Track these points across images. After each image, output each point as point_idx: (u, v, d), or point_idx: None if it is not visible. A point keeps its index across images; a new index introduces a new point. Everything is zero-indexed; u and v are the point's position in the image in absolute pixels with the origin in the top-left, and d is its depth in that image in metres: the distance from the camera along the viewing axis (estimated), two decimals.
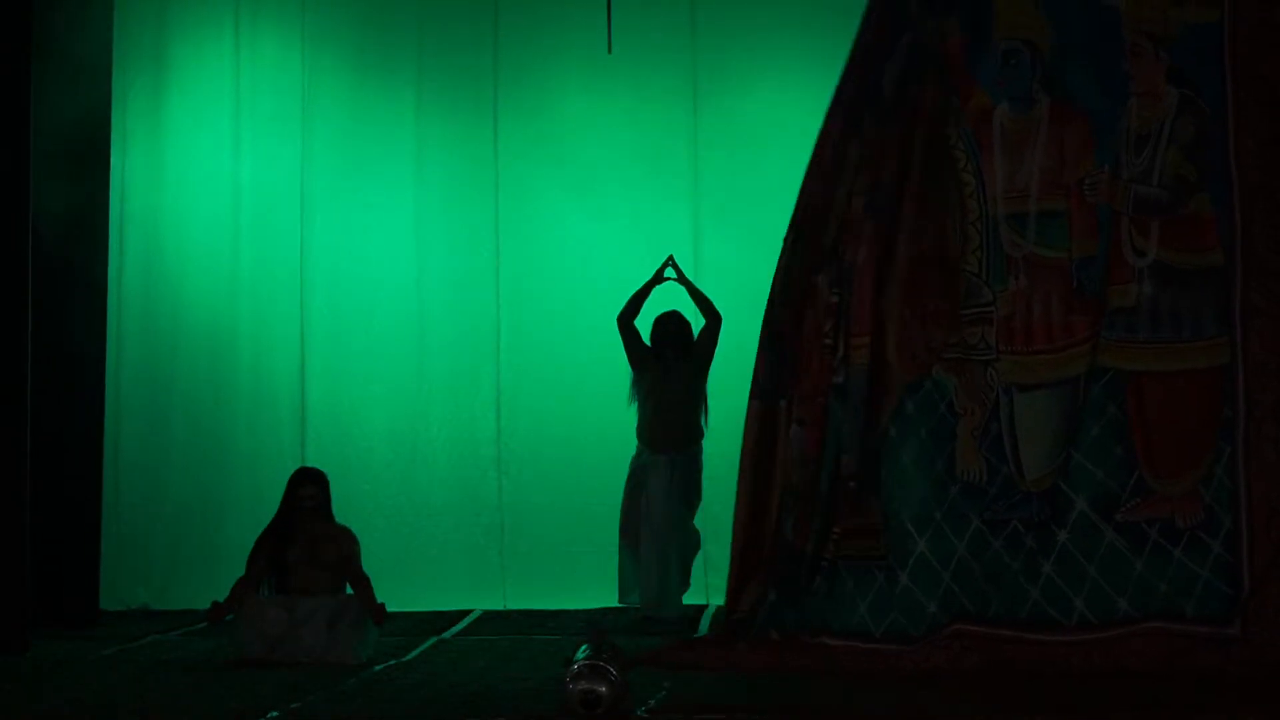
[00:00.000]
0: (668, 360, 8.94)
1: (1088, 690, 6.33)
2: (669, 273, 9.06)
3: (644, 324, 9.03)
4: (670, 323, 9.01)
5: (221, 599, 7.59)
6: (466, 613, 9.35)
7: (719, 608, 9.38)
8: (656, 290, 9.06)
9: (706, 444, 9.07)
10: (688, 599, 9.05)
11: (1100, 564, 6.80)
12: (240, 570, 7.76)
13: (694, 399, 8.94)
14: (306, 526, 7.70)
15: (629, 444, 9.04)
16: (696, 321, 9.12)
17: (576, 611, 9.35)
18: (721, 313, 9.01)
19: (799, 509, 7.09)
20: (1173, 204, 7.01)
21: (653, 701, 6.21)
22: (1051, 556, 6.84)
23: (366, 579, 7.63)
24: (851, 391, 7.04)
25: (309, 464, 8.73)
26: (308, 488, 7.75)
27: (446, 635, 8.51)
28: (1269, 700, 6.04)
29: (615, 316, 9.01)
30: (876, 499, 6.99)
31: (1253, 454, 6.74)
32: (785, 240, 7.43)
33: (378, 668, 7.28)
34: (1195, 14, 7.04)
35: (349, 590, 7.67)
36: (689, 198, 9.99)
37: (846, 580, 6.93)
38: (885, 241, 7.11)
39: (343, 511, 7.98)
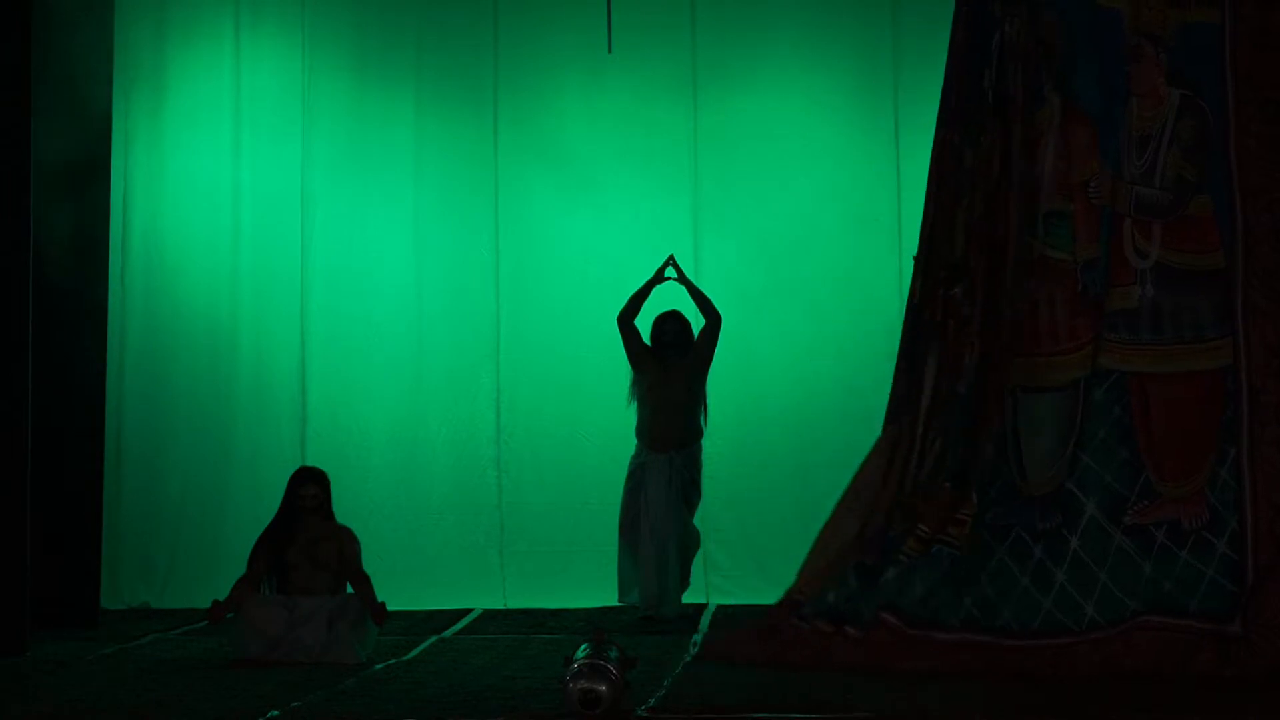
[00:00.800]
0: (668, 360, 8.95)
1: (1088, 690, 6.34)
2: (669, 272, 9.06)
3: (644, 324, 9.04)
4: (670, 322, 9.01)
5: (222, 598, 7.59)
6: (466, 612, 9.36)
7: (719, 607, 9.44)
8: (657, 290, 9.06)
9: (706, 444, 9.08)
10: (687, 598, 9.06)
11: (1110, 569, 6.81)
12: (241, 570, 7.76)
13: (694, 399, 8.95)
14: (307, 526, 7.71)
15: (628, 443, 9.05)
16: (697, 321, 9.12)
17: (576, 611, 9.36)
18: (722, 313, 9.01)
19: (899, 507, 7.08)
20: (1174, 205, 7.01)
21: (653, 701, 6.22)
22: (1064, 564, 6.86)
23: (367, 578, 7.63)
24: (967, 396, 7.03)
25: (309, 463, 8.73)
26: (308, 487, 7.76)
27: (446, 634, 8.51)
28: (1270, 699, 6.05)
29: (615, 316, 9.01)
30: (970, 498, 6.98)
31: (1257, 455, 6.74)
32: (917, 258, 7.40)
33: (378, 667, 7.29)
34: (1194, 14, 7.05)
35: (349, 590, 7.67)
36: (689, 198, 9.99)
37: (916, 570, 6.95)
38: (1000, 246, 7.10)
39: (343, 511, 7.99)
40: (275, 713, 6.10)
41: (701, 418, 9.00)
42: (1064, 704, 6.07)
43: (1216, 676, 6.45)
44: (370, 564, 7.81)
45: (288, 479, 7.88)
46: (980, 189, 7.19)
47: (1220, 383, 6.87)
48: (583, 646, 6.12)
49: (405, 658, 7.62)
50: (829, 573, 7.19)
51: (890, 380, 9.77)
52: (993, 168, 7.18)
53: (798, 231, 9.93)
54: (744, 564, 9.79)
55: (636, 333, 9.00)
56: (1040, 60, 7.20)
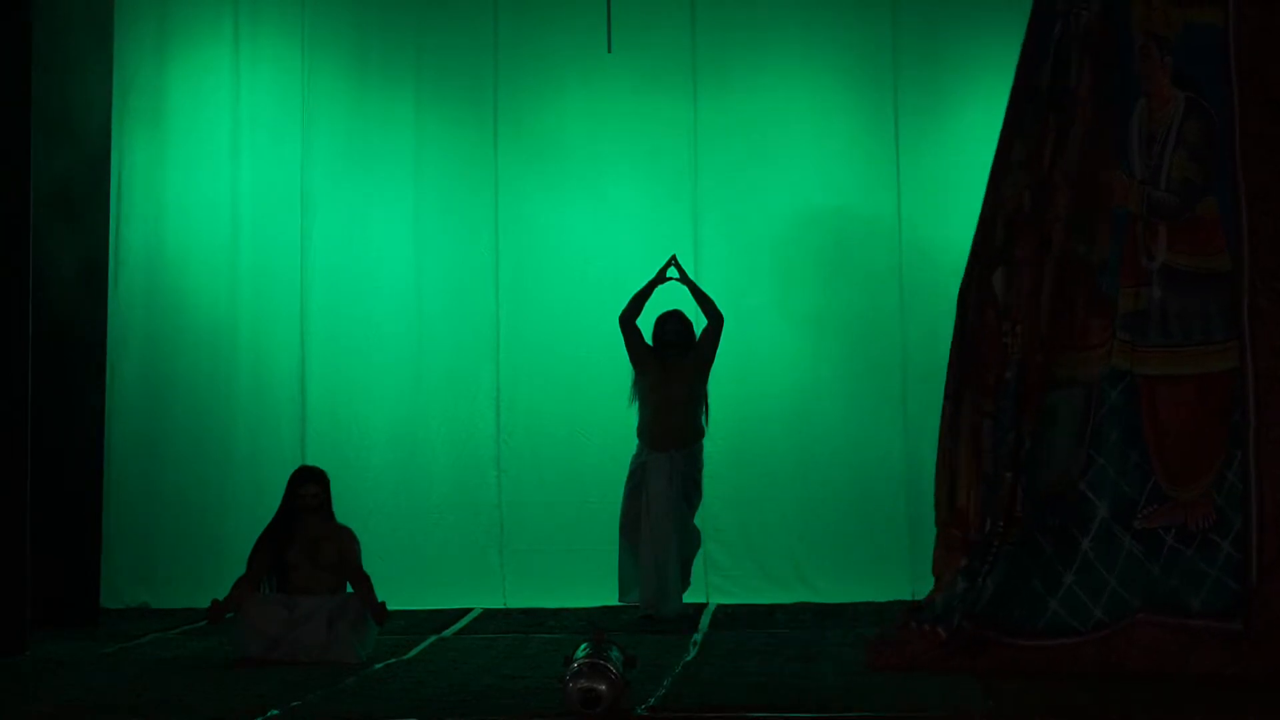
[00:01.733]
0: (669, 360, 8.95)
1: (1088, 691, 6.34)
2: (671, 272, 9.06)
3: (645, 323, 9.04)
4: (672, 322, 9.01)
5: (222, 598, 7.59)
6: (466, 611, 9.36)
7: (719, 606, 9.44)
8: (658, 290, 9.06)
9: (707, 443, 9.09)
10: (688, 597, 9.06)
11: (1120, 573, 6.82)
12: (240, 569, 7.76)
13: (695, 398, 8.95)
14: (307, 525, 7.70)
15: (629, 443, 9.05)
16: (698, 321, 9.12)
17: (576, 610, 9.36)
18: (723, 313, 9.01)
19: (985, 502, 7.07)
20: (1181, 208, 7.01)
21: (653, 700, 6.22)
22: (1073, 566, 6.87)
23: (367, 578, 7.63)
24: (1014, 385, 7.02)
25: (309, 463, 8.73)
26: (308, 486, 7.75)
27: (446, 634, 8.51)
28: (1271, 699, 6.05)
29: (616, 315, 9.01)
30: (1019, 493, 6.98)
31: (1263, 457, 6.74)
32: (973, 243, 7.40)
33: (378, 666, 7.29)
34: (1198, 14, 7.04)
35: (349, 589, 7.67)
36: (689, 197, 9.99)
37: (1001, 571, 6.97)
38: (1045, 240, 7.10)
39: (343, 510, 7.99)
40: (275, 712, 6.10)
41: (702, 417, 9.00)
42: (1064, 704, 6.07)
43: (1218, 675, 6.45)
44: (370, 564, 7.81)
45: (287, 478, 7.87)
46: (1028, 181, 7.18)
47: (1228, 385, 6.86)
48: (583, 646, 6.12)
49: (405, 657, 7.62)
50: (945, 573, 7.15)
51: (890, 380, 9.88)
52: (1042, 160, 7.16)
53: (798, 231, 9.92)
54: (744, 564, 9.80)
55: (638, 333, 9.00)
56: (1103, 53, 7.20)
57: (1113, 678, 6.54)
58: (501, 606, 9.63)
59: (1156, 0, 7.11)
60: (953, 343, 7.44)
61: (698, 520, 9.11)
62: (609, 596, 9.18)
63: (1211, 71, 6.99)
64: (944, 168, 9.94)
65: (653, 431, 8.90)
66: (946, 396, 7.38)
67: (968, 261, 7.41)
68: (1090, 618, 6.78)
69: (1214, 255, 6.95)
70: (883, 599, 9.54)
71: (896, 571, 9.70)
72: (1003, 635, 6.83)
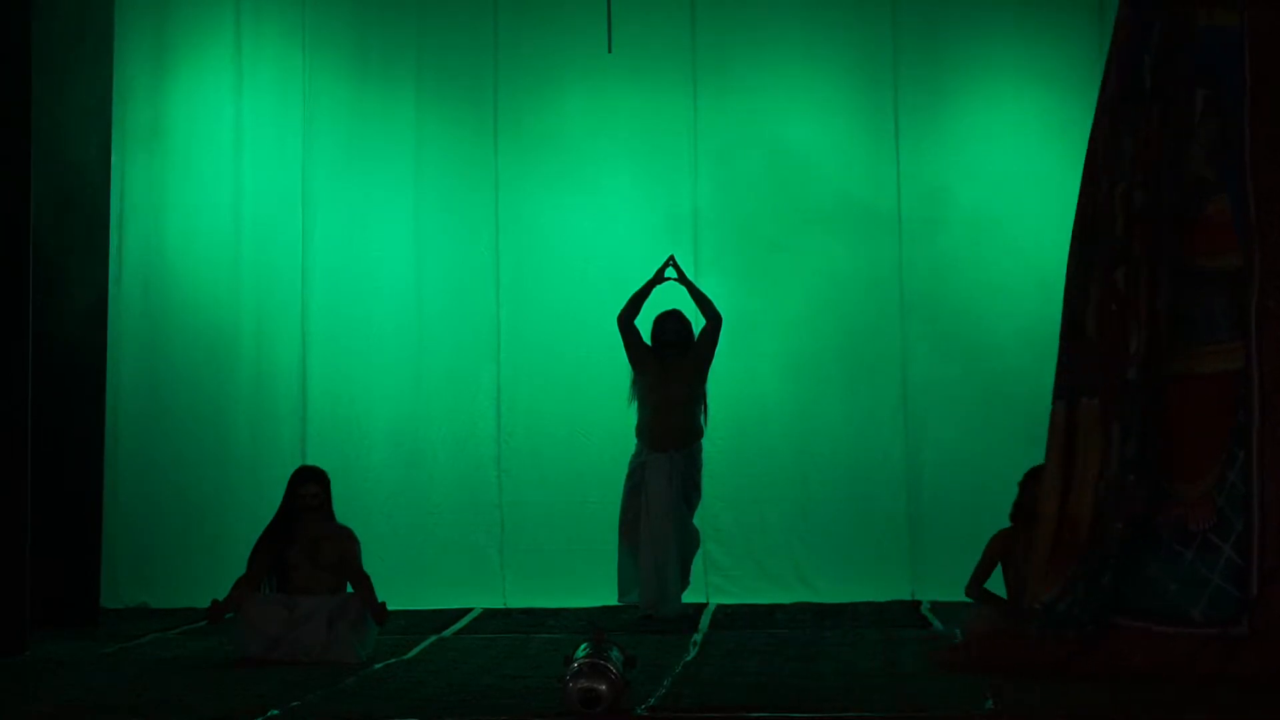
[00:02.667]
0: (668, 360, 8.95)
1: (1088, 691, 6.34)
2: (670, 272, 9.07)
3: (644, 323, 9.04)
4: (671, 322, 9.01)
5: (222, 598, 7.59)
6: (466, 611, 9.36)
7: (719, 606, 9.44)
8: (657, 290, 9.06)
9: (706, 443, 9.09)
10: (687, 598, 9.06)
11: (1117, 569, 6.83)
12: (240, 569, 7.76)
13: (694, 398, 8.95)
14: (307, 525, 7.70)
15: (629, 443, 9.05)
16: (697, 321, 9.12)
17: (576, 610, 9.36)
18: (722, 313, 9.01)
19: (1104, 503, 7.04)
20: (1194, 206, 7.02)
21: (653, 700, 6.22)
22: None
23: (367, 578, 7.62)
24: (1138, 385, 7.00)
25: (309, 462, 8.73)
26: (309, 486, 7.74)
27: (446, 634, 8.51)
28: (1272, 699, 6.04)
29: (615, 315, 9.01)
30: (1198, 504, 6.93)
31: (1266, 459, 6.73)
32: (1072, 242, 7.37)
33: (378, 666, 7.29)
34: (1218, 16, 7.06)
35: (350, 589, 7.67)
36: (689, 197, 9.99)
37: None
38: (1158, 234, 7.08)
39: (343, 510, 7.98)
40: (275, 712, 6.10)
41: (702, 417, 9.00)
42: (1066, 703, 6.07)
43: (1219, 677, 6.45)
44: (370, 563, 7.81)
45: (288, 478, 7.87)
46: (1139, 177, 7.15)
47: (1232, 386, 6.86)
48: (583, 646, 6.12)
49: (405, 657, 7.62)
50: (1055, 575, 7.08)
51: (890, 381, 9.88)
52: (1151, 156, 7.13)
53: (798, 231, 9.93)
54: (744, 564, 9.80)
55: (637, 333, 9.01)
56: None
57: (1112, 677, 6.54)
58: (501, 606, 9.64)
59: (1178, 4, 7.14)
60: (1063, 339, 7.31)
61: (697, 520, 9.11)
62: (609, 596, 9.18)
63: (1229, 72, 7.00)
64: (944, 168, 9.95)
65: (652, 431, 8.90)
66: (1057, 396, 7.24)
67: (1073, 254, 7.33)
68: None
69: (1224, 254, 6.95)
70: (882, 599, 9.56)
71: (896, 571, 9.71)
72: (1123, 617, 6.78)
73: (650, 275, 9.06)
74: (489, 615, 9.31)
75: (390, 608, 7.62)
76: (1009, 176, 9.93)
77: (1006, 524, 7.76)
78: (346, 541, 7.71)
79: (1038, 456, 8.06)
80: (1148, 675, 6.51)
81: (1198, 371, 6.93)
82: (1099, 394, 7.05)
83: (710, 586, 9.70)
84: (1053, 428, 7.21)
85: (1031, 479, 7.68)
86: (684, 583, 8.98)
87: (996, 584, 7.69)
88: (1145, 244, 7.03)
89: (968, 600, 7.76)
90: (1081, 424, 7.08)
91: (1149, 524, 6.86)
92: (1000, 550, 7.70)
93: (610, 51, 9.32)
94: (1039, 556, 7.06)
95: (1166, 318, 6.98)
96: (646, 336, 9.03)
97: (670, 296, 9.13)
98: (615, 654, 6.07)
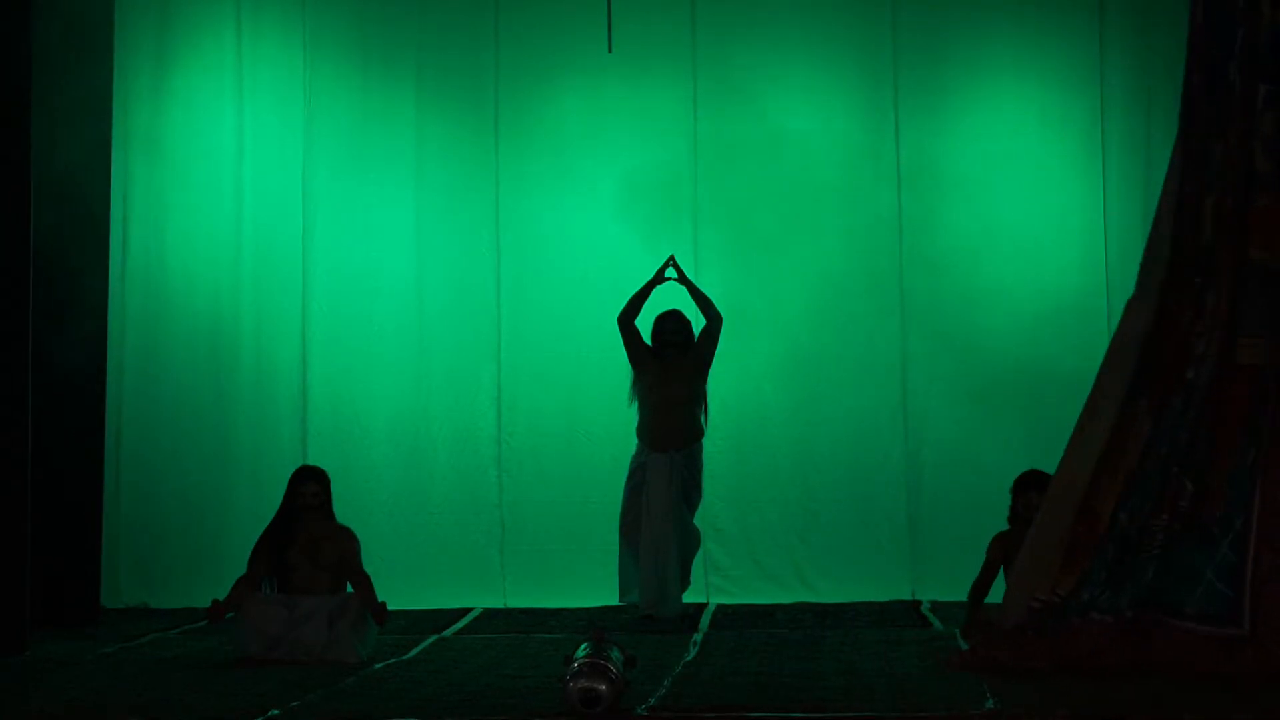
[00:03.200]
0: (668, 359, 8.95)
1: (1088, 690, 6.33)
2: (670, 273, 9.06)
3: (644, 323, 9.04)
4: (670, 322, 9.01)
5: (222, 597, 7.59)
6: (467, 611, 9.36)
7: (719, 606, 9.44)
8: (657, 290, 9.06)
9: (706, 443, 9.09)
10: (687, 597, 9.06)
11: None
12: (241, 569, 7.76)
13: (694, 398, 8.95)
14: (307, 525, 7.70)
15: (629, 443, 9.05)
16: (697, 321, 9.12)
17: (576, 610, 9.36)
18: (722, 313, 9.01)
19: (1137, 497, 7.01)
20: (1248, 198, 7.03)
21: (653, 700, 6.22)
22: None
23: (367, 578, 7.63)
24: (1200, 386, 6.98)
25: (310, 462, 8.74)
26: (309, 485, 7.74)
27: (447, 633, 8.51)
28: (1272, 699, 6.05)
29: (615, 315, 9.01)
30: (1213, 495, 6.92)
31: (1271, 460, 6.73)
32: (1150, 240, 7.36)
33: (378, 666, 7.29)
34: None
35: (350, 589, 7.67)
36: (689, 197, 9.99)
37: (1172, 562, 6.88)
38: (1242, 240, 7.08)
39: (343, 510, 7.98)
40: (275, 711, 6.10)
41: (702, 417, 9.00)
42: (1064, 703, 6.08)
43: (1213, 676, 6.46)
44: (371, 563, 7.82)
45: (288, 478, 7.87)
46: (1229, 183, 7.14)
47: (1259, 381, 6.86)
48: (583, 645, 6.12)
49: (405, 657, 7.62)
50: (1074, 566, 7.03)
51: (891, 381, 9.87)
52: (1239, 162, 7.12)
53: (798, 231, 9.93)
54: (744, 564, 9.80)
55: (637, 333, 9.01)
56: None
57: (1111, 677, 6.54)
58: (502, 606, 9.64)
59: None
60: (1125, 338, 7.29)
61: (698, 520, 9.11)
62: (609, 596, 9.18)
63: None
64: (945, 168, 9.95)
65: (652, 431, 8.90)
66: (1106, 395, 7.24)
67: (1150, 251, 7.30)
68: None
69: (1276, 249, 6.96)
70: (882, 599, 9.56)
71: (896, 571, 9.72)
72: (1168, 616, 6.75)
73: (650, 275, 9.06)
74: (489, 615, 9.31)
75: (390, 607, 7.62)
76: (1009, 176, 9.93)
77: (1005, 525, 7.77)
78: (346, 541, 7.71)
79: (1037, 457, 8.09)
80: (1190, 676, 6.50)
81: (1233, 361, 6.93)
82: (1147, 395, 7.04)
83: (710, 586, 9.70)
84: (1093, 425, 7.17)
85: (1023, 485, 7.68)
86: (684, 583, 8.98)
87: (997, 585, 7.69)
88: (1230, 252, 7.03)
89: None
90: (1125, 424, 7.07)
91: (1197, 520, 6.85)
92: (1001, 553, 7.70)
93: (610, 51, 9.32)
94: (1050, 552, 7.02)
95: (1235, 320, 6.99)
96: (647, 336, 9.03)
97: (670, 296, 9.13)
98: (615, 654, 6.08)
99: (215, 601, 7.54)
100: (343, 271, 10.03)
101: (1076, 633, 6.77)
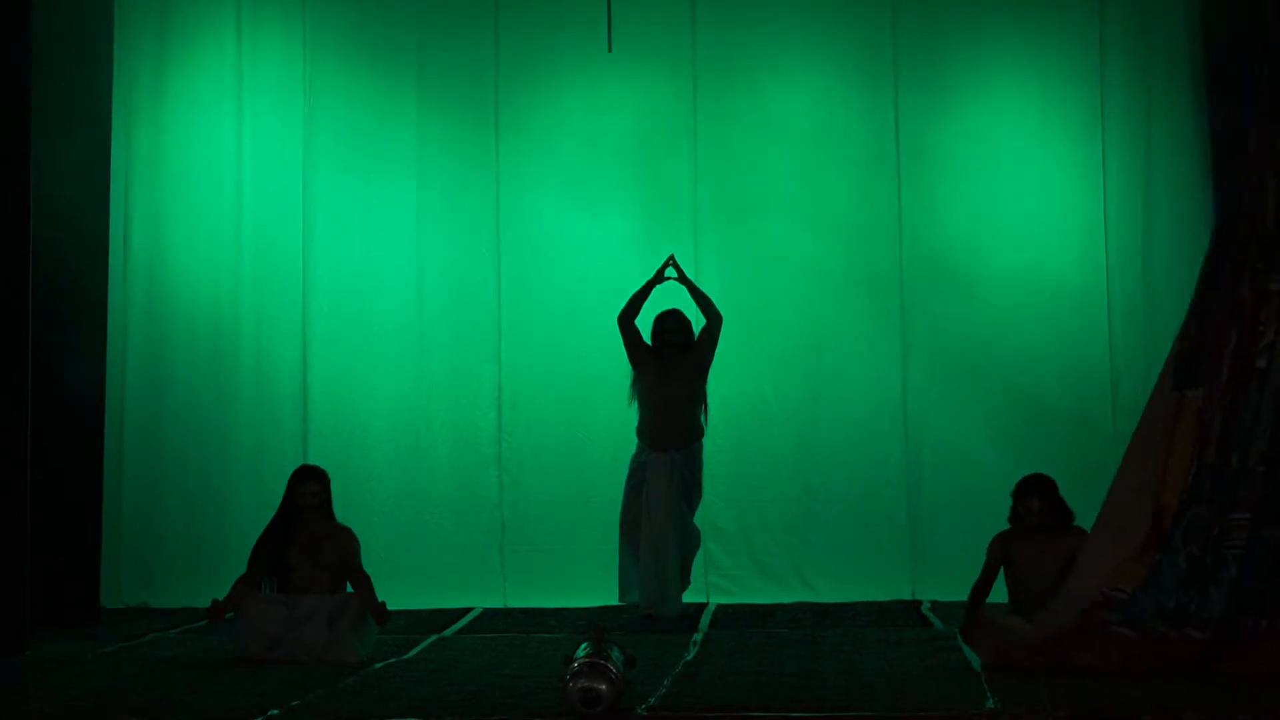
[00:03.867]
0: (668, 359, 8.95)
1: (1089, 690, 6.34)
2: (670, 272, 9.06)
3: (644, 323, 9.04)
4: (670, 321, 9.01)
5: (222, 597, 7.59)
6: (467, 610, 9.36)
7: (719, 606, 9.44)
8: (657, 289, 9.06)
9: (706, 443, 9.09)
10: (687, 597, 9.06)
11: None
12: (241, 569, 7.76)
13: (694, 398, 8.95)
14: (307, 525, 7.70)
15: (629, 442, 9.05)
16: (697, 321, 9.12)
17: (576, 610, 9.36)
18: (722, 312, 9.01)
19: (1208, 493, 6.98)
20: None
21: (653, 700, 6.22)
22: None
23: (367, 578, 7.63)
24: (1273, 377, 6.96)
25: (310, 462, 8.74)
26: (309, 484, 7.74)
27: (447, 633, 8.51)
28: (1272, 698, 6.05)
29: (615, 315, 9.01)
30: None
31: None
32: (1215, 233, 7.35)
33: (378, 665, 7.29)
34: None
35: (350, 589, 7.67)
36: (689, 197, 9.99)
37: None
38: None
39: (344, 509, 7.99)
40: (275, 711, 6.10)
41: (702, 417, 9.00)
42: (1065, 702, 6.08)
43: (1213, 675, 6.47)
44: (371, 563, 7.82)
45: (288, 477, 7.87)
46: None
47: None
48: (583, 645, 6.12)
49: (405, 656, 7.62)
50: (1133, 567, 6.99)
51: (891, 380, 9.87)
52: None
53: (798, 230, 9.92)
54: (744, 564, 9.80)
55: (637, 332, 9.01)
56: None
57: (1111, 676, 6.54)
58: (502, 606, 9.64)
59: None
60: (1191, 328, 7.25)
61: (698, 520, 9.11)
62: (609, 596, 9.18)
63: None
64: (945, 168, 9.95)
65: (652, 431, 8.90)
66: (1174, 387, 7.17)
67: (1216, 243, 7.28)
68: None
69: None
70: (883, 599, 9.56)
71: (896, 571, 9.71)
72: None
73: (650, 274, 9.06)
74: (489, 615, 9.31)
75: (390, 607, 7.62)
76: (1009, 175, 9.93)
77: (1005, 525, 7.76)
78: (346, 541, 7.71)
79: (1038, 457, 8.08)
80: None
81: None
82: (1204, 385, 7.02)
83: (710, 586, 9.70)
84: (1150, 420, 7.12)
85: (1023, 488, 7.66)
86: (684, 582, 8.98)
87: (998, 586, 7.69)
88: None
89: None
90: (1183, 416, 7.04)
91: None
92: (1001, 553, 7.69)
93: (610, 51, 9.32)
94: (1118, 546, 6.96)
95: None
96: (647, 336, 9.03)
97: (670, 296, 9.13)
98: (615, 654, 6.08)
99: (215, 601, 7.54)
100: (343, 271, 10.03)
101: (1172, 642, 6.70)
